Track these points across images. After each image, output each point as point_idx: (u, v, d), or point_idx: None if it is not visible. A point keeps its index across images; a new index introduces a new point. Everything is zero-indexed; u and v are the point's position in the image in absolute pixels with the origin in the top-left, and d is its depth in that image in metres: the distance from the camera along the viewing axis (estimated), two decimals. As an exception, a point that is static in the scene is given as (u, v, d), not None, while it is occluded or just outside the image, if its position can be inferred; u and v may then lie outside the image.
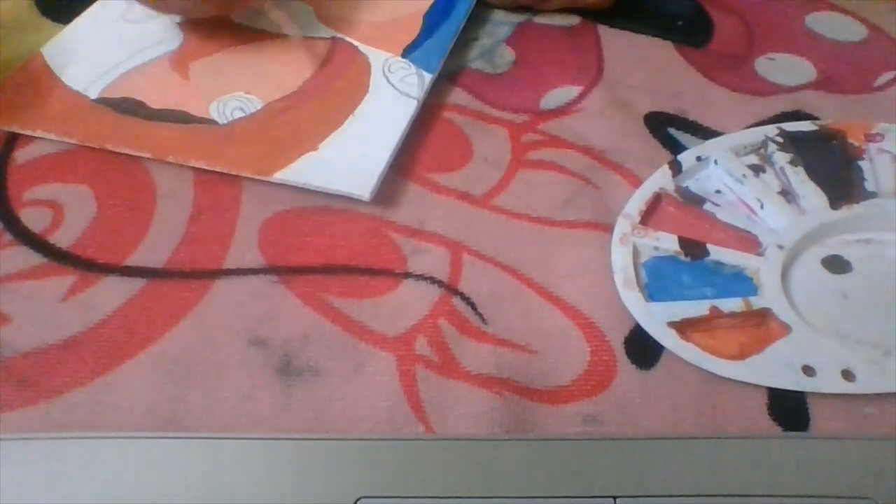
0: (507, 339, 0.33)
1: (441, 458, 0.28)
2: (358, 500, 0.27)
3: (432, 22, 0.47)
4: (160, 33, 0.47)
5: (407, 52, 0.45)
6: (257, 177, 0.39)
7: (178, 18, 0.47)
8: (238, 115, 0.42)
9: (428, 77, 0.43)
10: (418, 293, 0.35)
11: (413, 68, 0.44)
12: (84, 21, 0.48)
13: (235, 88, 0.43)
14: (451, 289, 0.35)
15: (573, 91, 0.44)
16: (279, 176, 0.38)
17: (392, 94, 0.43)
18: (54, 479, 0.28)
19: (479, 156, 0.41)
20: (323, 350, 0.33)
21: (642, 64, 0.46)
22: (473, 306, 0.34)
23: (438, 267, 0.36)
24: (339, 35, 0.47)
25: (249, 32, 0.46)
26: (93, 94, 0.43)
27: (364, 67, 0.44)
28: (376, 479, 0.27)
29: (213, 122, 0.41)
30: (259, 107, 0.42)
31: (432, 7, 0.48)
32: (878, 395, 0.31)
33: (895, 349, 0.32)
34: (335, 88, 0.43)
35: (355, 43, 0.46)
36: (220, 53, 0.46)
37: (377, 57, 0.45)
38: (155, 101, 0.42)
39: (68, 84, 0.44)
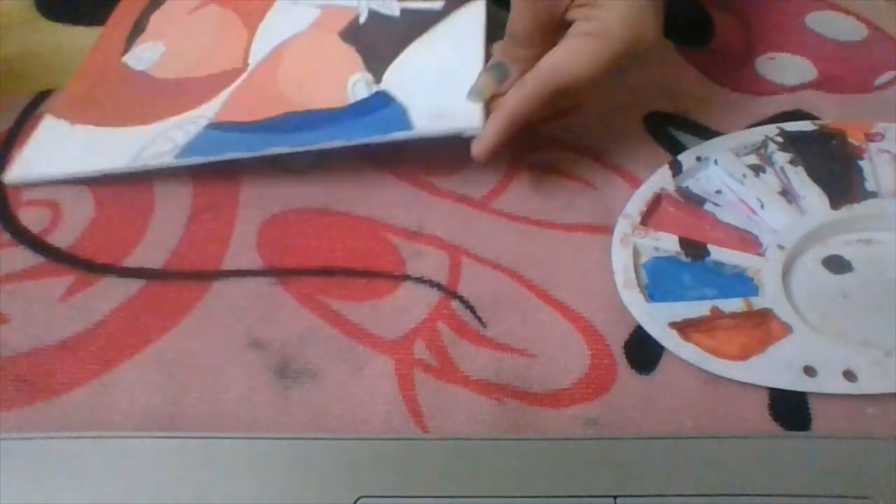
0: (506, 344, 0.33)
1: (442, 458, 0.28)
2: (358, 499, 0.27)
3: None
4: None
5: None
6: None
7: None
8: None
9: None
10: (417, 296, 0.35)
11: None
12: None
13: None
14: (450, 292, 0.35)
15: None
16: None
17: None
18: (53, 478, 0.27)
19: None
20: (321, 353, 0.33)
21: (643, 63, 0.46)
22: (472, 309, 0.34)
23: (437, 270, 0.36)
24: None
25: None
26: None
27: None
28: (377, 479, 0.27)
29: None
30: None
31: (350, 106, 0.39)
32: (880, 396, 0.31)
33: (896, 350, 0.32)
34: None
35: None
36: None
37: None
38: None
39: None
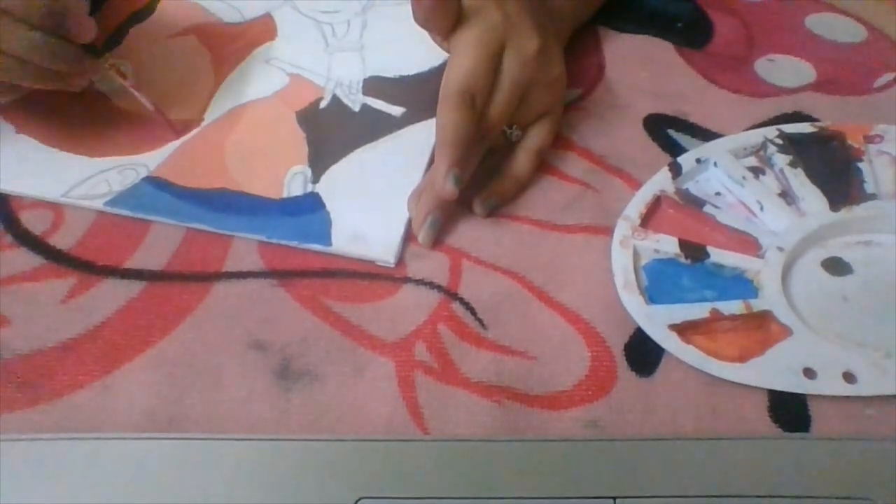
0: (506, 346, 0.33)
1: (442, 459, 0.28)
2: (358, 500, 0.27)
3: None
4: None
5: None
6: None
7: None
8: None
9: None
10: (418, 298, 0.35)
11: None
12: None
13: None
14: (450, 294, 0.35)
15: (574, 92, 0.44)
16: None
17: None
18: (54, 479, 0.28)
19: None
20: (322, 354, 0.33)
21: (643, 65, 0.46)
22: (473, 311, 0.34)
23: (438, 272, 0.36)
24: None
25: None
26: None
27: None
28: (377, 480, 0.27)
29: None
30: None
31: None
32: (880, 397, 0.31)
33: (896, 351, 0.32)
34: None
35: None
36: None
37: None
38: None
39: None
